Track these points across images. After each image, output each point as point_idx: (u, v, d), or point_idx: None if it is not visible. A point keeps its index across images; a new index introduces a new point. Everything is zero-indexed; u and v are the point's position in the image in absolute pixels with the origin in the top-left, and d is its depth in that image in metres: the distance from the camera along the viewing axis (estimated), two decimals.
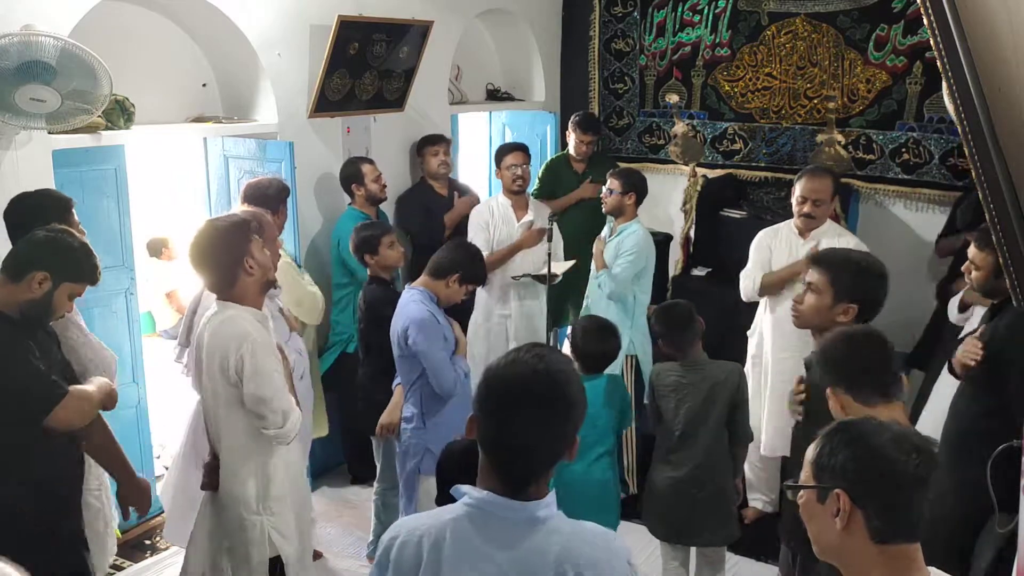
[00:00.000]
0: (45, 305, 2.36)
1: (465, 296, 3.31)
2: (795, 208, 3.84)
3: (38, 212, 2.71)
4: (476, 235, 4.48)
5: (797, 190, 3.82)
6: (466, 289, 3.27)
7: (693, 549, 3.27)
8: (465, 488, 1.48)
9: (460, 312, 3.60)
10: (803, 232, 3.86)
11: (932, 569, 1.37)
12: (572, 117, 5.30)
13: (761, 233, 4.05)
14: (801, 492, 1.41)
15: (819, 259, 2.60)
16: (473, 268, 3.25)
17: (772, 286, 3.85)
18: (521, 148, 4.60)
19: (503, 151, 4.59)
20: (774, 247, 3.93)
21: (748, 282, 3.94)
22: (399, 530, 1.50)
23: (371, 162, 4.41)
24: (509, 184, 4.51)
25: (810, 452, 1.42)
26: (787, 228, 3.96)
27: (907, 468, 1.32)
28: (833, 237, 3.80)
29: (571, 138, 5.21)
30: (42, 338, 2.42)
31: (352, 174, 4.37)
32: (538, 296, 4.57)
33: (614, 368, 4.25)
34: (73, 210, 2.89)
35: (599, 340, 3.20)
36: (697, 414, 3.10)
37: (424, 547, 1.44)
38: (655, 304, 4.61)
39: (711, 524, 3.14)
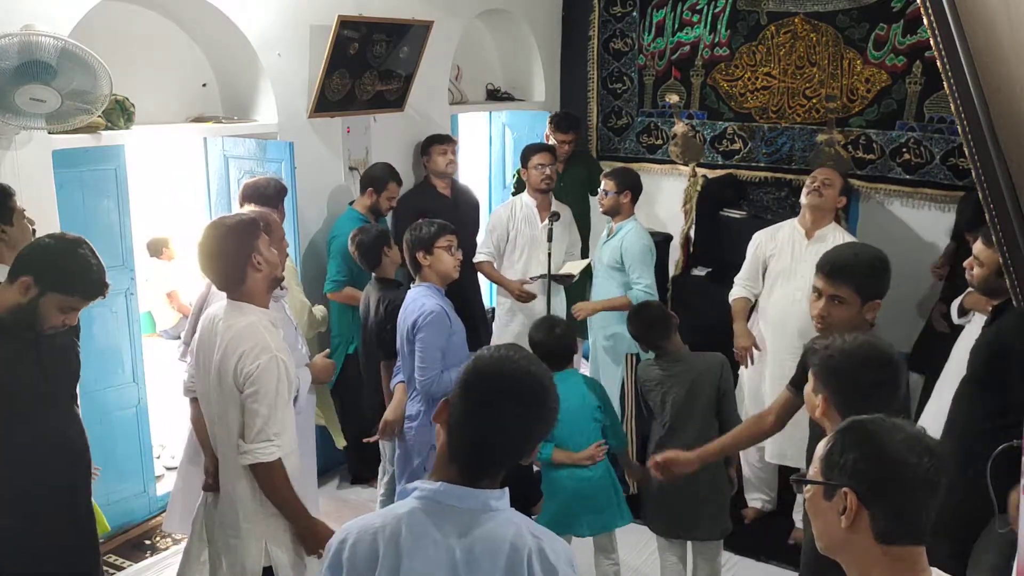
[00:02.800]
0: (30, 312, 2.27)
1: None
2: (804, 197, 3.87)
3: None
4: (487, 237, 4.50)
5: (808, 182, 3.91)
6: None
7: (690, 545, 3.28)
8: (414, 483, 1.51)
9: (461, 307, 3.59)
10: (808, 232, 3.86)
11: (935, 570, 1.37)
12: (549, 117, 5.30)
13: (758, 234, 4.05)
14: (808, 487, 1.41)
15: (832, 271, 2.51)
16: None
17: (735, 313, 3.93)
18: (547, 149, 4.62)
19: (530, 150, 4.59)
20: (772, 249, 3.93)
21: (736, 289, 4.01)
22: (348, 532, 1.51)
23: (399, 183, 4.45)
24: (536, 183, 4.50)
25: (820, 448, 1.41)
26: (789, 228, 3.95)
27: (918, 471, 1.31)
28: (838, 239, 3.77)
29: (549, 140, 5.17)
30: (40, 345, 2.36)
31: (377, 180, 4.38)
32: (559, 295, 4.61)
33: (617, 367, 4.29)
34: (13, 201, 2.79)
35: (546, 332, 3.23)
36: (683, 406, 3.14)
37: (380, 542, 1.46)
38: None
39: (705, 517, 3.15)
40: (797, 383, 2.58)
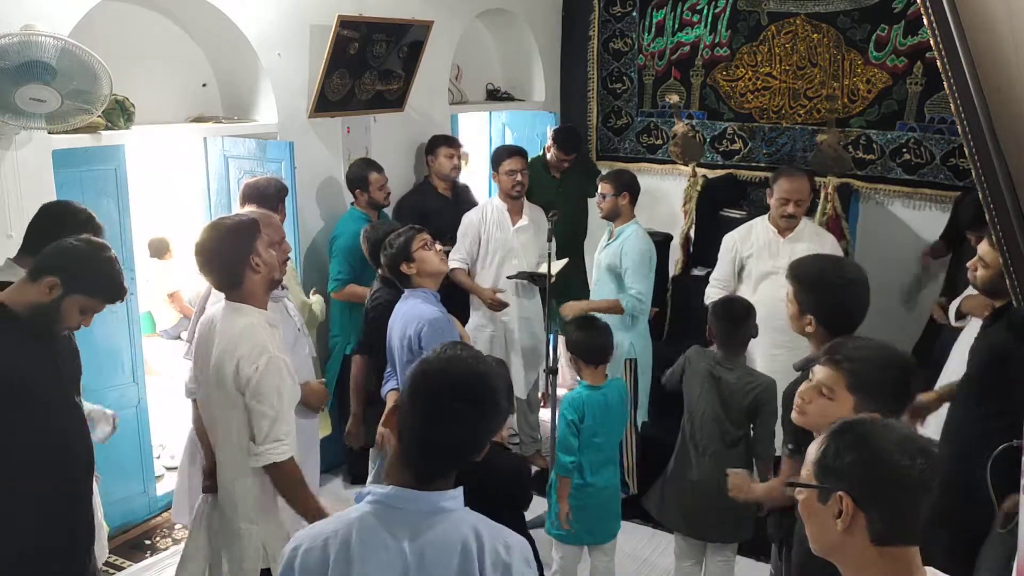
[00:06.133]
0: (52, 312, 2.30)
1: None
2: (776, 209, 3.89)
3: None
4: (460, 244, 4.41)
5: (776, 192, 3.87)
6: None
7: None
8: (368, 487, 1.52)
9: (457, 311, 3.58)
10: (783, 231, 3.91)
11: (929, 569, 1.37)
12: (552, 130, 5.23)
13: (730, 236, 4.08)
14: (801, 490, 1.41)
15: (790, 269, 2.55)
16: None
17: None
18: (519, 152, 4.53)
19: (500, 155, 4.51)
20: (748, 250, 3.96)
21: (710, 294, 3.99)
22: (301, 539, 1.52)
23: (379, 169, 4.40)
24: (508, 189, 4.43)
25: (813, 451, 1.41)
26: (762, 226, 3.99)
27: (912, 473, 1.31)
28: (812, 235, 3.88)
29: (550, 151, 5.09)
30: (56, 344, 2.38)
31: (358, 179, 4.36)
32: (533, 297, 4.56)
33: (615, 371, 4.28)
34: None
35: (596, 333, 3.22)
36: (716, 412, 3.09)
37: (331, 549, 1.47)
38: (655, 307, 4.62)
39: (719, 521, 3.12)
40: (797, 445, 2.34)
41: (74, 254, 2.34)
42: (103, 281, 2.36)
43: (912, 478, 1.31)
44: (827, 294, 2.41)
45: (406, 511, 1.47)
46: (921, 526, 1.34)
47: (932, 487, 1.33)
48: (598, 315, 3.62)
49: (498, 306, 4.36)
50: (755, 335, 3.20)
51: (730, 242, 4.04)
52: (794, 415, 2.07)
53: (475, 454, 1.53)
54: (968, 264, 2.97)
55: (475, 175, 6.19)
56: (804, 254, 3.76)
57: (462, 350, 1.56)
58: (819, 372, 2.02)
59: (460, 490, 1.52)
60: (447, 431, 1.48)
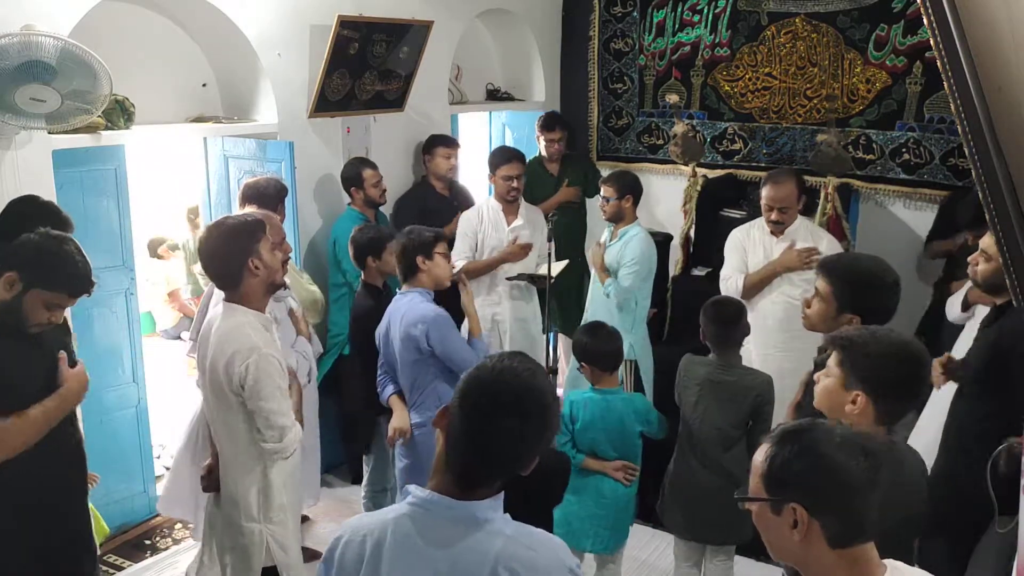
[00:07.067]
0: (15, 309, 2.27)
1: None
2: (764, 213, 3.90)
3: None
4: (461, 241, 4.40)
5: (763, 197, 3.88)
6: None
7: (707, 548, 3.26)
8: (411, 487, 1.50)
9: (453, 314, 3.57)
10: (775, 231, 3.91)
11: (888, 561, 1.39)
12: (536, 120, 5.28)
13: (734, 232, 4.08)
14: (752, 503, 1.40)
15: (826, 267, 2.51)
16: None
17: (754, 287, 3.88)
18: (517, 157, 4.50)
19: (498, 159, 4.48)
20: (748, 246, 3.96)
21: (730, 284, 3.95)
22: (345, 529, 1.52)
23: (373, 166, 4.39)
24: (503, 193, 4.41)
25: (759, 462, 1.40)
26: (758, 227, 4.00)
27: (858, 473, 1.33)
28: (807, 235, 3.87)
29: (539, 141, 5.17)
30: (39, 343, 2.36)
31: (352, 177, 4.35)
32: (531, 299, 4.55)
33: None
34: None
35: (608, 340, 3.20)
36: (714, 416, 3.08)
37: (367, 546, 1.46)
38: (655, 307, 4.62)
39: (720, 523, 3.12)
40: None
41: (29, 247, 2.31)
42: (62, 273, 2.31)
43: (859, 478, 1.33)
44: (877, 293, 2.41)
45: (441, 518, 1.45)
46: (875, 523, 1.35)
47: (879, 484, 1.34)
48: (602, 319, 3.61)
49: (523, 250, 4.31)
50: (747, 334, 3.20)
51: (736, 238, 4.05)
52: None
53: (521, 468, 1.48)
54: (969, 259, 2.95)
55: (474, 176, 6.18)
56: None
57: (519, 362, 1.49)
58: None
59: (500, 497, 1.48)
60: (493, 443, 1.44)
